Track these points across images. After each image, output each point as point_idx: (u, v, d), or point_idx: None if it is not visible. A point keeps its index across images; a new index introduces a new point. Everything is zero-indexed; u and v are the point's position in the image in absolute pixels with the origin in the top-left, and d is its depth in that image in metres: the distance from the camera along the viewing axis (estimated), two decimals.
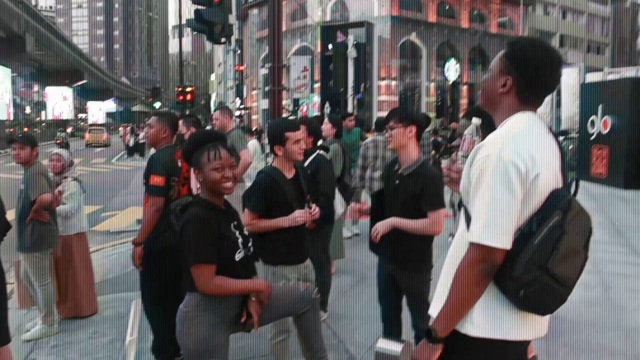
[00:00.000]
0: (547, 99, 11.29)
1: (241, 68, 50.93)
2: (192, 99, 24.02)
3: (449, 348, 1.89)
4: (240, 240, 2.79)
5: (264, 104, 45.13)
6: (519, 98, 1.94)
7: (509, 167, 1.75)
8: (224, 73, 63.83)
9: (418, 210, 3.38)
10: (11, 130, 46.82)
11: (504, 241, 1.76)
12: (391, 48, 40.44)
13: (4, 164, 21.72)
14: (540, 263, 1.73)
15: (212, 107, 69.92)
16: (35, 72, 62.64)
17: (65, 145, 37.27)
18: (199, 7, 7.69)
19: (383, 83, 40.19)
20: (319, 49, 37.52)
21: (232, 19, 7.78)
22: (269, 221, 3.49)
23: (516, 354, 1.96)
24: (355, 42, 23.14)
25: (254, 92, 49.94)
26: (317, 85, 36.93)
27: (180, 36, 24.21)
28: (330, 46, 27.26)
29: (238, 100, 46.06)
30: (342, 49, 22.78)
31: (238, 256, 2.74)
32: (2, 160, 28.45)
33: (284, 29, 41.46)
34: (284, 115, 13.71)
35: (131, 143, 32.12)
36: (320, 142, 5.10)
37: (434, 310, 2.00)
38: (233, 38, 53.59)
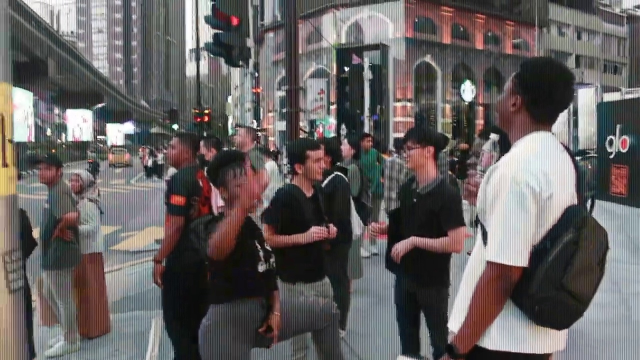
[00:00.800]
0: (563, 118, 11.21)
1: (258, 90, 51.40)
2: (209, 121, 24.28)
3: None
4: (261, 253, 2.85)
5: (280, 125, 45.38)
6: (531, 116, 1.98)
7: (523, 188, 1.80)
8: (241, 95, 64.43)
9: (436, 229, 3.41)
10: (35, 151, 47.54)
11: (519, 259, 1.80)
12: (406, 70, 40.59)
13: (26, 185, 22.05)
14: (555, 279, 1.76)
15: (230, 129, 70.51)
16: (56, 95, 63.63)
17: (95, 164, 38.24)
18: (217, 31, 7.84)
19: (399, 104, 40.28)
20: (334, 72, 37.83)
21: (250, 42, 7.92)
22: (286, 237, 3.55)
23: None
24: (370, 64, 23.30)
25: (270, 114, 50.25)
26: (333, 107, 37.14)
27: (198, 59, 24.53)
28: (346, 68, 27.46)
29: (254, 123, 46.40)
30: (357, 70, 22.96)
31: (261, 268, 2.79)
32: (24, 181, 28.84)
33: (300, 51, 41.65)
34: (301, 136, 13.82)
35: (150, 164, 32.45)
36: (338, 163, 5.18)
37: (453, 324, 2.04)
38: (251, 61, 54.10)
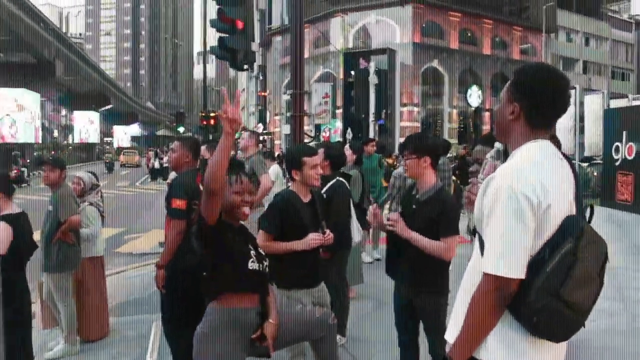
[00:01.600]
0: (569, 124, 11.07)
1: (264, 94, 51.48)
2: (215, 124, 24.29)
3: None
4: (253, 252, 2.85)
5: (286, 129, 45.40)
6: (528, 124, 1.95)
7: (520, 199, 1.77)
8: (246, 99, 64.54)
9: (434, 235, 3.40)
10: (41, 153, 47.86)
11: (517, 271, 1.77)
12: (413, 74, 40.60)
13: (34, 186, 22.13)
14: (552, 290, 1.74)
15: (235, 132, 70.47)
16: (64, 97, 63.97)
17: (111, 164, 39.26)
18: (222, 34, 7.85)
19: (405, 109, 40.28)
20: (341, 76, 37.86)
21: (255, 46, 7.92)
22: (283, 244, 3.53)
23: None
24: (376, 68, 23.30)
25: (277, 118, 50.34)
26: (339, 111, 37.16)
27: (205, 62, 24.57)
28: (352, 73, 27.48)
29: (261, 126, 46.47)
30: (364, 75, 22.97)
31: (252, 265, 2.78)
32: (32, 182, 29.02)
33: (306, 55, 42.07)
34: (306, 140, 13.82)
35: (155, 166, 32.56)
36: (341, 169, 5.16)
37: (450, 335, 2.02)
38: (256, 65, 54.31)
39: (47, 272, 5.07)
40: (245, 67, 8.68)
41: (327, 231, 3.64)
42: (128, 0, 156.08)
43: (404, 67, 39.41)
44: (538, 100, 1.92)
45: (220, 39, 7.88)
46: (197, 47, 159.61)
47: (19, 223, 4.26)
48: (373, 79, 22.45)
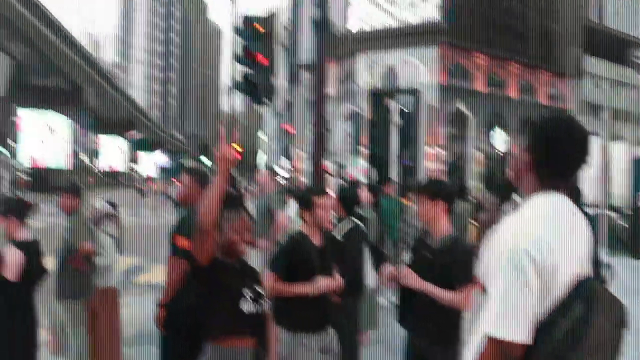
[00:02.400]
0: (595, 173, 10.82)
1: (290, 129, 51.84)
2: (240, 158, 24.46)
3: None
4: (249, 293, 2.78)
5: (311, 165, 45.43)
6: (538, 176, 1.87)
7: (522, 257, 1.66)
8: (270, 133, 65.13)
9: (449, 285, 3.33)
10: (73, 178, 48.69)
11: (520, 335, 1.66)
12: (439, 116, 40.64)
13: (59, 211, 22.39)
14: (561, 358, 1.62)
15: (260, 166, 71.06)
16: (93, 123, 65.13)
17: (141, 190, 39.60)
18: (246, 70, 7.97)
19: (430, 150, 40.21)
20: (366, 114, 38.05)
21: (274, 80, 8.03)
22: (291, 286, 3.47)
23: None
24: (400, 109, 23.35)
25: (302, 153, 50.55)
26: (364, 150, 37.22)
27: (232, 95, 24.88)
28: (377, 111, 27.57)
29: (286, 161, 46.65)
30: (388, 115, 23.00)
31: (245, 308, 2.72)
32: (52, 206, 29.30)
33: (333, 92, 42.46)
34: (328, 178, 13.83)
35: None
36: (358, 210, 5.11)
37: None
38: (282, 99, 54.81)
39: (59, 298, 5.06)
40: (266, 101, 8.78)
41: (338, 276, 3.58)
42: (161, 30, 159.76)
43: (429, 108, 39.45)
44: (551, 154, 1.84)
45: (244, 74, 8.00)
46: (225, 78, 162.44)
47: (31, 250, 4.28)
48: (396, 119, 22.45)
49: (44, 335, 5.05)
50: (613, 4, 52.55)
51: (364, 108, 39.45)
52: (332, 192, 3.91)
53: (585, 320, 1.63)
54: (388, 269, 3.64)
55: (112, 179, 68.80)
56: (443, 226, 3.46)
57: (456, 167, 42.55)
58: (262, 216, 6.20)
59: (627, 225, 15.25)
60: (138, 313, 7.50)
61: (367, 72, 42.61)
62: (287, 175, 40.28)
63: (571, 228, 1.80)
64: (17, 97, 45.14)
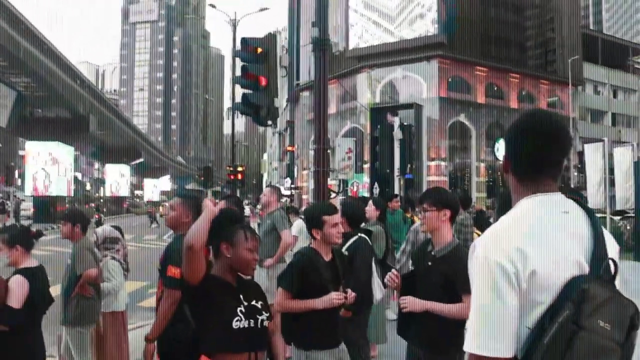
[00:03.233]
0: (599, 177, 10.73)
1: (291, 149, 52.06)
2: (242, 178, 24.54)
3: None
4: (240, 309, 2.72)
5: (313, 184, 45.55)
6: (515, 178, 1.79)
7: (493, 269, 1.58)
8: (270, 154, 65.40)
9: (449, 293, 3.31)
10: (72, 205, 48.91)
11: (497, 349, 1.56)
12: (440, 129, 40.75)
13: (59, 239, 22.46)
14: None
15: (264, 186, 71.33)
16: (96, 150, 65.52)
17: (153, 217, 39.96)
18: (246, 91, 8.00)
19: (432, 163, 40.26)
20: (368, 130, 38.17)
21: (277, 102, 8.04)
22: (303, 302, 3.44)
23: None
24: (400, 123, 23.43)
25: (304, 172, 50.68)
26: (367, 166, 37.25)
27: (233, 117, 25.05)
28: (378, 127, 27.65)
29: (288, 180, 46.76)
30: (389, 130, 23.06)
31: (236, 324, 2.67)
32: (56, 235, 29.37)
33: (333, 111, 42.67)
34: (332, 196, 13.80)
35: None
36: (363, 225, 5.10)
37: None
38: (284, 119, 55.08)
39: (65, 325, 5.05)
40: (269, 123, 8.80)
41: (349, 290, 3.56)
42: (161, 57, 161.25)
43: (430, 122, 39.59)
44: (523, 149, 1.75)
45: (244, 96, 8.02)
46: (227, 102, 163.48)
47: (36, 277, 4.27)
48: (397, 134, 22.49)
49: None
50: (610, 12, 52.89)
51: (365, 124, 39.64)
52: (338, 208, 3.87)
53: (575, 322, 1.51)
54: (391, 275, 3.62)
55: (116, 205, 68.93)
56: (446, 235, 3.46)
57: (458, 178, 42.55)
58: (266, 235, 6.20)
59: (630, 228, 15.19)
60: (143, 337, 7.47)
61: (367, 89, 42.81)
62: (290, 194, 40.34)
63: (561, 228, 1.67)
64: (21, 129, 45.69)
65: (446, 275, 3.32)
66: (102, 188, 72.49)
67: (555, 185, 1.76)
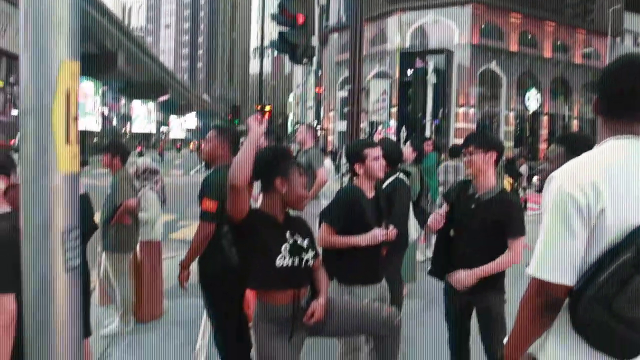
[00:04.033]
0: None
1: (318, 90, 51.66)
2: (270, 118, 24.49)
3: None
4: (285, 246, 2.74)
5: (340, 125, 45.40)
6: (605, 119, 1.79)
7: (566, 200, 1.63)
8: (303, 94, 64.95)
9: (494, 236, 3.31)
10: (100, 140, 49.56)
11: (559, 276, 1.64)
12: (470, 76, 39.95)
13: (92, 171, 22.82)
14: (604, 303, 1.58)
15: (289, 127, 71.24)
16: (123, 86, 65.73)
17: (180, 149, 41.50)
18: (283, 29, 7.88)
19: (461, 110, 39.71)
20: (397, 74, 37.59)
21: (315, 40, 7.92)
22: (347, 238, 3.43)
23: None
24: (435, 67, 23.04)
25: (331, 114, 50.41)
26: (393, 110, 36.90)
27: (262, 57, 24.78)
28: (409, 72, 27.23)
29: (316, 121, 46.66)
30: (421, 74, 22.68)
31: (279, 262, 2.69)
32: (91, 167, 29.91)
33: (363, 53, 41.71)
34: (362, 137, 13.77)
35: None
36: (400, 165, 5.08)
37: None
38: (315, 59, 54.46)
39: (104, 251, 5.20)
40: (305, 61, 8.69)
41: (391, 227, 3.57)
42: None
43: (461, 68, 38.84)
44: (612, 89, 1.75)
45: (281, 34, 7.91)
46: (254, 42, 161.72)
47: (82, 204, 4.34)
48: (431, 78, 22.14)
49: (93, 285, 5.22)
50: None
51: (394, 69, 39.04)
52: None
53: (634, 266, 1.56)
54: (435, 216, 3.62)
55: (144, 140, 69.78)
56: (491, 178, 3.44)
57: (487, 126, 42.00)
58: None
59: None
60: (174, 267, 7.67)
61: (397, 32, 41.93)
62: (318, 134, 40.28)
63: (636, 174, 1.66)
64: None
65: (491, 219, 3.31)
66: (128, 123, 73.02)
67: None
